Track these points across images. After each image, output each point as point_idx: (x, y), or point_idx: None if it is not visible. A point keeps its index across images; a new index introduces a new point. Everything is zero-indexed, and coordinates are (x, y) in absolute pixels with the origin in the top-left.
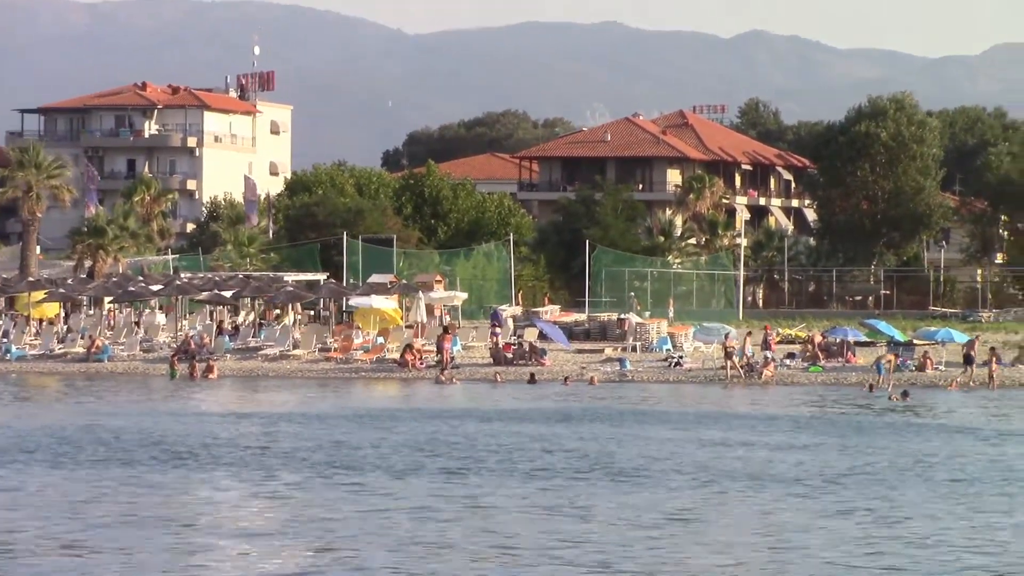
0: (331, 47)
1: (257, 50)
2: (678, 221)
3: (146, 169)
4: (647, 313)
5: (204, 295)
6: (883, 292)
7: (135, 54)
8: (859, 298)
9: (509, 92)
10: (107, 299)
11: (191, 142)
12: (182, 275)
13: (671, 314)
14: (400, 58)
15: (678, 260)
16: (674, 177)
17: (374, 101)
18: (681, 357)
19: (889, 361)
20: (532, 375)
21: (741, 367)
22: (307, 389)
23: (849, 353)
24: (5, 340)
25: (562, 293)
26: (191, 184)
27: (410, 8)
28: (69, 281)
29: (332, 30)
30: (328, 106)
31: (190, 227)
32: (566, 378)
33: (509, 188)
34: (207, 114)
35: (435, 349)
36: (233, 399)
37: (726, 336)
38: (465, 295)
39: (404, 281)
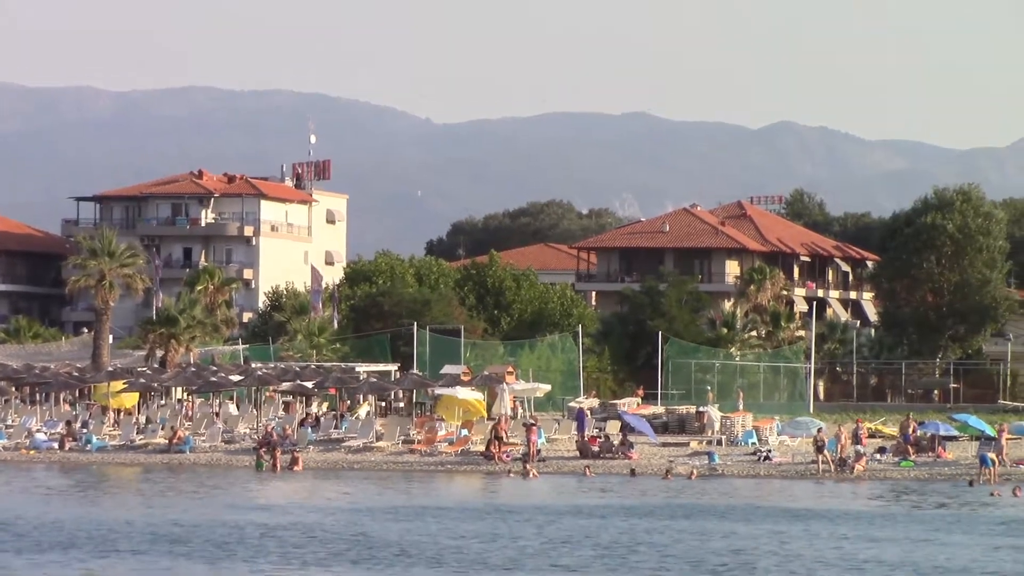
0: (359, 136)
1: (313, 139)
2: (738, 312)
3: (203, 258)
4: (716, 405)
5: (286, 385)
6: (952, 385)
7: (162, 142)
8: (921, 392)
9: (536, 182)
10: (180, 389)
11: (248, 231)
12: (252, 364)
13: (740, 406)
14: (428, 147)
15: (740, 352)
16: (733, 268)
17: (402, 190)
18: (770, 451)
19: (994, 456)
20: (633, 469)
21: (833, 462)
22: (415, 482)
23: (940, 448)
24: (85, 431)
25: (629, 385)
26: (247, 273)
27: (439, 98)
28: (145, 371)
29: (360, 120)
30: (358, 195)
31: (246, 316)
32: (668, 471)
33: (563, 278)
34: (264, 203)
35: (520, 442)
36: (369, 492)
37: (818, 431)
38: (548, 387)
39: (486, 372)
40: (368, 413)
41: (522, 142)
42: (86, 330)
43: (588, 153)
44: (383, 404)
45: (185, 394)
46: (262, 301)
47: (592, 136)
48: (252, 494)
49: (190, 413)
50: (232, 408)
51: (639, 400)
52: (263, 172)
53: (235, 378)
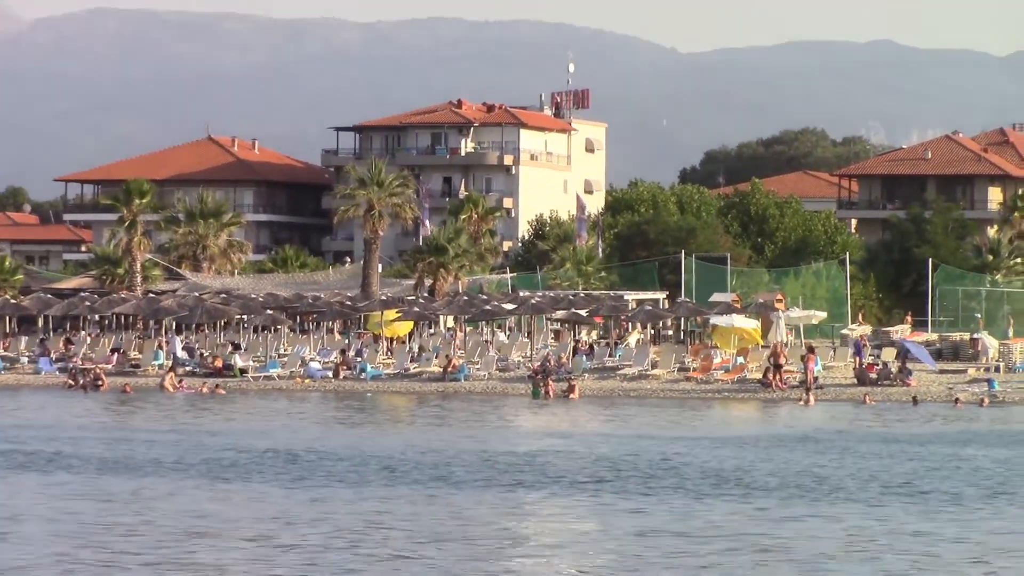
0: (603, 66)
1: (572, 67)
2: (1003, 239)
3: (462, 187)
4: (985, 332)
5: (560, 314)
6: None
7: (409, 73)
8: None
9: (781, 110)
10: (450, 318)
11: (508, 160)
12: (522, 293)
13: (1011, 333)
14: (672, 77)
15: (1005, 279)
16: (996, 195)
17: (647, 119)
18: None
19: None
20: (915, 397)
21: None
22: (702, 409)
23: None
24: (359, 359)
25: (896, 313)
26: (507, 202)
27: (684, 27)
28: (418, 299)
29: (604, 50)
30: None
31: (506, 245)
32: (957, 399)
33: (822, 206)
34: (523, 132)
35: (795, 370)
36: (664, 420)
37: None
38: (823, 314)
39: (760, 300)
40: (639, 341)
41: (766, 71)
42: (349, 260)
43: (832, 81)
44: (652, 332)
45: (455, 323)
46: (524, 230)
47: (836, 64)
48: (543, 420)
49: (458, 342)
50: (502, 336)
51: (909, 327)
52: (510, 102)
53: (508, 307)
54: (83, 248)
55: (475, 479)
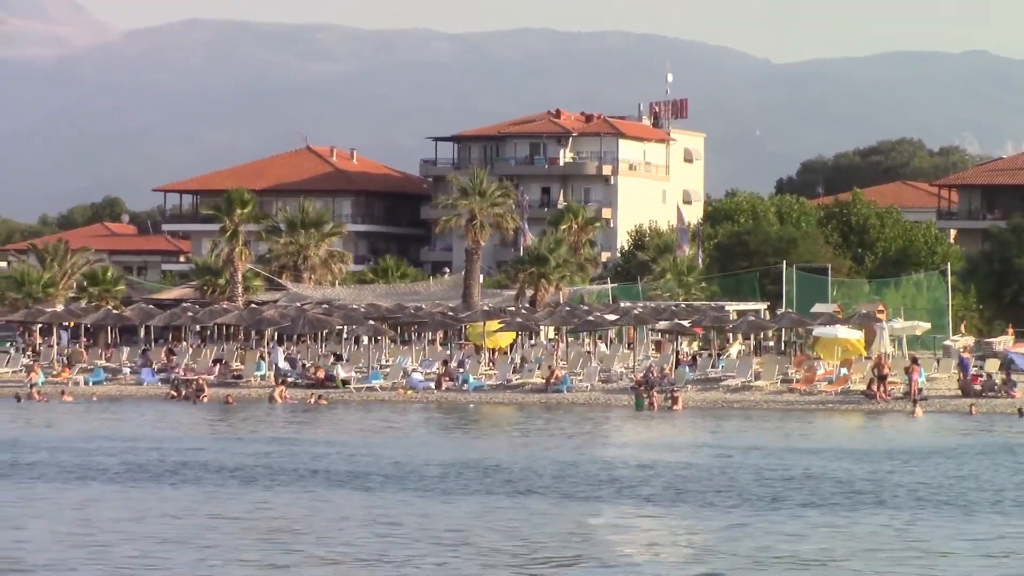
0: (696, 76)
1: (670, 77)
2: None
3: (561, 197)
4: None
5: (662, 325)
6: None
7: (501, 84)
8: None
9: (873, 121)
10: (551, 328)
11: (606, 170)
12: (622, 303)
13: None
14: (765, 87)
15: None
16: None
17: (740, 130)
18: None
19: None
20: (1020, 409)
21: None
22: (808, 421)
23: None
24: (461, 371)
25: (997, 324)
26: (606, 212)
27: (777, 38)
28: (520, 310)
29: (696, 60)
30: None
31: (604, 255)
32: None
33: (920, 216)
34: (622, 142)
35: (900, 381)
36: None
37: None
38: (928, 325)
39: (863, 311)
40: (740, 352)
41: (858, 82)
42: (448, 270)
43: (924, 92)
44: (753, 343)
45: (556, 333)
46: (623, 240)
47: (929, 75)
48: (653, 432)
49: (560, 352)
50: (603, 347)
51: (1012, 338)
52: (604, 112)
53: (611, 317)
54: (182, 259)
55: (607, 493)
